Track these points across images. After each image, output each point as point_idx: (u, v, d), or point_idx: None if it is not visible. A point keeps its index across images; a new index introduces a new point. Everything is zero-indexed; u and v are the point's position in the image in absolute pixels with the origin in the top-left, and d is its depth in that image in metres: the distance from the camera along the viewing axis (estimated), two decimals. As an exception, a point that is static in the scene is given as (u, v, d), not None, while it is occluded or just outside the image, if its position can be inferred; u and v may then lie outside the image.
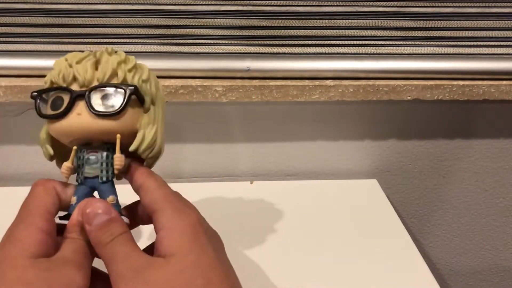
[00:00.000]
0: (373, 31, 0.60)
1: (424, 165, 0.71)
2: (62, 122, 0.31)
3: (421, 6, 0.59)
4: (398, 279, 0.48)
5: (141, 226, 0.35)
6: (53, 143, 0.34)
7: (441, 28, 0.61)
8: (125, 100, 0.31)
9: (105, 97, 0.31)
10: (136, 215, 0.34)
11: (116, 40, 0.58)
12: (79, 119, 0.31)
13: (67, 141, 0.33)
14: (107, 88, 0.31)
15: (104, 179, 0.32)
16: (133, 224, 0.34)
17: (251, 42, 0.59)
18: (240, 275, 0.30)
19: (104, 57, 0.32)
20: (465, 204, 0.75)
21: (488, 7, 0.60)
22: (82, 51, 0.33)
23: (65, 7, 0.57)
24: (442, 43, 0.61)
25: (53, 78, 0.32)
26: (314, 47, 0.60)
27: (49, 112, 0.32)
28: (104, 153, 0.32)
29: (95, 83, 0.31)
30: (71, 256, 0.27)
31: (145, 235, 0.48)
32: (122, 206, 0.33)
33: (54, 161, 0.35)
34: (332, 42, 0.60)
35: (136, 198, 0.33)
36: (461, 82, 0.60)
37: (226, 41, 0.59)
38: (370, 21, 0.59)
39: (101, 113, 0.31)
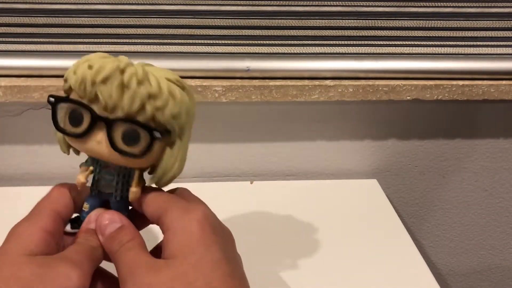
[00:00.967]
0: (373, 31, 0.60)
1: (424, 165, 0.71)
2: (81, 143, 0.29)
3: (421, 6, 0.59)
4: (398, 279, 0.48)
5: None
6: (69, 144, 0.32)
7: (440, 28, 0.61)
8: (149, 144, 0.29)
9: (128, 133, 0.28)
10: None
11: (116, 40, 0.58)
12: (98, 147, 0.29)
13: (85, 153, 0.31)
14: (132, 125, 0.28)
15: (118, 198, 0.31)
16: (144, 222, 0.33)
17: (250, 42, 0.59)
18: (239, 275, 0.30)
19: (133, 83, 0.28)
20: (465, 204, 0.75)
21: (488, 7, 0.60)
22: (105, 54, 0.30)
23: (65, 7, 0.57)
24: (441, 43, 0.61)
25: (74, 86, 0.29)
26: (313, 47, 0.60)
27: (67, 126, 0.29)
28: (121, 174, 0.31)
29: (119, 110, 0.28)
30: (71, 255, 0.27)
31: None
32: None
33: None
34: (331, 42, 0.60)
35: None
36: (460, 82, 0.60)
37: (226, 41, 0.59)
38: (369, 21, 0.59)
39: (122, 151, 0.28)
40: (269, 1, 0.58)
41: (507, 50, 0.62)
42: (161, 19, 0.58)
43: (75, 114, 0.29)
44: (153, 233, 0.32)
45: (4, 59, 0.57)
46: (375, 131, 0.67)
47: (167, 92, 0.29)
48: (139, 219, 0.32)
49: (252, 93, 0.58)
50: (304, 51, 0.60)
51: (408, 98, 0.60)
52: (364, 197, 0.64)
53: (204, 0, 0.57)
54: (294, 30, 0.59)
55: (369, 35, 0.60)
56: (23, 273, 0.25)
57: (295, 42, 0.60)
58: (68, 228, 0.31)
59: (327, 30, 0.60)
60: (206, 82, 0.57)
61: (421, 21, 0.60)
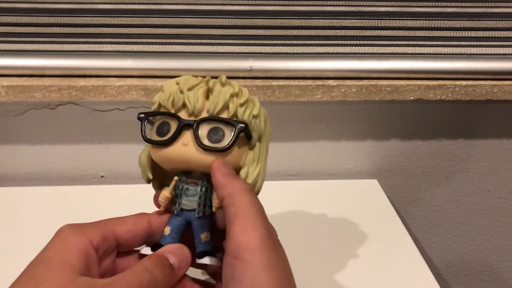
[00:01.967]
0: (376, 31, 0.60)
1: (427, 165, 0.70)
2: (167, 150, 0.30)
3: (424, 6, 0.59)
4: (399, 280, 0.48)
5: None
6: (153, 166, 0.33)
7: (443, 28, 0.60)
8: (234, 138, 0.30)
9: (213, 130, 0.30)
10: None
11: (118, 40, 0.58)
12: (184, 150, 0.30)
13: (168, 167, 0.32)
14: (217, 122, 0.30)
15: (201, 214, 0.31)
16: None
17: (253, 42, 0.59)
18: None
19: (217, 87, 0.31)
20: (467, 204, 0.75)
21: (491, 7, 0.60)
22: (196, 76, 0.32)
23: (66, 6, 0.56)
24: (445, 43, 0.61)
25: (162, 101, 0.31)
26: (316, 47, 0.60)
27: (154, 137, 0.31)
28: (204, 188, 0.31)
29: (205, 114, 0.30)
30: (119, 285, 0.25)
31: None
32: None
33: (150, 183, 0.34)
34: (334, 42, 0.60)
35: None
36: (464, 82, 0.60)
37: (229, 41, 0.59)
38: (372, 21, 0.59)
39: (207, 147, 0.29)
40: (271, 1, 0.57)
41: (510, 50, 0.62)
42: (163, 18, 0.58)
43: (162, 127, 0.31)
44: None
45: (6, 59, 0.57)
46: (378, 131, 0.67)
47: (248, 94, 0.32)
48: (220, 236, 0.30)
49: (255, 93, 0.57)
50: (307, 51, 0.60)
51: (411, 98, 0.60)
52: (364, 197, 0.64)
53: (207, 0, 0.57)
54: (297, 30, 0.59)
55: (372, 35, 0.60)
56: None
57: (298, 42, 0.60)
58: (147, 251, 0.30)
59: (330, 30, 0.59)
60: (208, 82, 0.57)
61: (424, 21, 0.60)
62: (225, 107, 0.31)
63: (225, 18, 0.58)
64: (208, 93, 0.31)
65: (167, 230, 0.31)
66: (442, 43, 0.61)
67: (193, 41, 0.59)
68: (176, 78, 0.32)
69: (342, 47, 0.60)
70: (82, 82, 0.56)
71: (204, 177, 0.31)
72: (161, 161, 0.31)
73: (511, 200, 0.75)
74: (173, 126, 0.30)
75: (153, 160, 0.32)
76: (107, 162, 0.65)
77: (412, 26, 0.60)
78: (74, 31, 0.58)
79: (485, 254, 0.81)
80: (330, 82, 0.58)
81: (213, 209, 0.31)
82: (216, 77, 0.33)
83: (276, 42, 0.59)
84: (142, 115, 0.32)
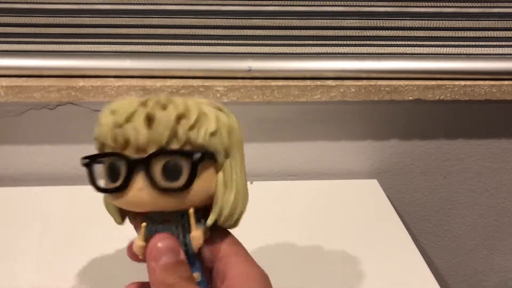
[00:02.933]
0: (375, 31, 0.60)
1: (426, 165, 0.70)
2: (123, 198, 0.26)
3: (423, 6, 0.59)
4: (398, 280, 0.48)
5: None
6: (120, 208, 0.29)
7: (442, 28, 0.60)
8: (193, 170, 0.25)
9: (168, 166, 0.25)
10: None
11: (117, 40, 0.58)
12: (141, 196, 0.25)
13: (133, 210, 0.28)
14: (169, 155, 0.25)
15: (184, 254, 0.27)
16: None
17: (252, 42, 0.59)
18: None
19: (158, 112, 0.25)
20: (466, 204, 0.75)
21: (490, 7, 0.60)
22: (129, 98, 0.27)
23: (65, 7, 0.56)
24: (443, 43, 0.61)
25: (103, 139, 0.26)
26: (315, 47, 0.60)
27: (107, 183, 0.27)
28: (179, 226, 0.27)
29: (152, 147, 0.25)
30: None
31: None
32: None
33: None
34: (333, 42, 0.60)
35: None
36: (462, 82, 0.60)
37: (228, 41, 0.59)
38: (371, 21, 0.59)
39: (166, 188, 0.25)
40: (270, 1, 0.57)
41: (509, 50, 0.62)
42: (162, 19, 0.58)
43: (112, 169, 0.26)
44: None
45: (5, 59, 0.57)
46: (377, 131, 0.67)
47: (197, 110, 0.26)
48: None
49: (254, 93, 0.58)
50: (306, 51, 0.60)
51: (410, 98, 0.60)
52: (364, 197, 0.64)
53: (205, 0, 0.57)
54: (295, 30, 0.59)
55: (371, 35, 0.60)
56: None
57: (297, 42, 0.60)
58: None
59: (329, 30, 0.59)
60: (207, 82, 0.57)
61: (423, 21, 0.60)
62: (173, 135, 0.25)
63: (224, 18, 0.58)
64: (149, 119, 0.26)
65: None
66: (441, 43, 0.61)
67: (192, 41, 0.59)
68: (111, 105, 0.27)
69: (341, 47, 0.60)
70: (81, 82, 0.56)
71: (178, 213, 0.27)
72: (121, 207, 0.27)
73: (510, 200, 0.75)
74: (122, 167, 0.26)
75: None
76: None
77: (411, 26, 0.60)
78: (73, 32, 0.58)
79: (485, 254, 0.81)
80: (329, 82, 0.59)
81: (195, 249, 0.27)
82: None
83: (275, 42, 0.59)
84: (87, 161, 0.27)
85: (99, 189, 0.26)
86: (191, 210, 0.26)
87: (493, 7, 0.60)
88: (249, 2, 0.57)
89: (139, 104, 0.26)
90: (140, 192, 0.25)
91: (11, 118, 0.61)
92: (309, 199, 0.62)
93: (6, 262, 0.47)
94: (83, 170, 0.27)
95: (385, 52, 0.61)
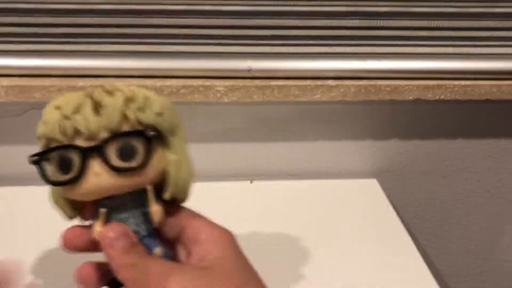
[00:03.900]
0: (375, 31, 0.60)
1: (426, 165, 0.70)
2: (79, 186, 0.27)
3: (423, 6, 0.59)
4: (398, 280, 0.48)
5: None
6: (70, 201, 0.30)
7: (443, 28, 0.60)
8: (148, 148, 0.27)
9: (122, 148, 0.27)
10: None
11: (117, 40, 0.58)
12: (98, 180, 0.26)
13: (87, 200, 0.29)
14: (122, 138, 0.27)
15: (145, 233, 0.28)
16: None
17: (252, 42, 0.59)
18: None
19: (105, 99, 0.27)
20: (466, 204, 0.75)
21: (490, 7, 0.60)
22: (71, 90, 0.29)
23: (66, 7, 0.56)
24: (444, 43, 0.61)
25: (50, 134, 0.27)
26: (315, 47, 0.60)
27: (59, 177, 0.27)
28: (137, 209, 0.28)
29: (103, 133, 0.26)
30: None
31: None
32: None
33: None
34: (333, 42, 0.60)
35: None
36: (462, 82, 0.60)
37: (227, 41, 0.59)
38: (371, 21, 0.59)
39: (123, 169, 0.26)
40: (270, 1, 0.57)
41: (510, 50, 0.62)
42: (162, 19, 0.58)
43: (63, 162, 0.27)
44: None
45: (5, 59, 0.57)
46: (377, 131, 0.67)
47: (142, 93, 0.28)
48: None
49: (254, 93, 0.58)
50: (306, 51, 0.60)
51: (410, 98, 0.60)
52: (364, 197, 0.64)
53: (205, 0, 0.57)
54: (296, 30, 0.59)
55: (371, 35, 0.60)
56: None
57: (297, 42, 0.60)
58: None
59: (329, 30, 0.59)
60: (207, 82, 0.57)
61: (423, 21, 0.60)
62: (123, 117, 0.27)
63: (224, 18, 0.58)
64: (96, 107, 0.27)
65: None
66: (441, 43, 0.61)
67: (192, 41, 0.59)
68: (53, 102, 0.28)
69: (341, 47, 0.60)
70: (81, 82, 0.56)
71: (131, 195, 0.28)
72: (76, 198, 0.28)
73: (510, 201, 0.75)
74: (75, 157, 0.26)
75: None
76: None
77: (411, 26, 0.60)
78: (73, 31, 0.58)
79: (485, 254, 0.80)
80: (329, 82, 0.59)
81: (155, 221, 0.28)
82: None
83: (275, 42, 0.59)
84: (36, 158, 0.27)
85: (54, 182, 0.27)
86: (149, 187, 0.28)
87: (494, 7, 0.60)
88: (249, 2, 0.57)
89: (83, 95, 0.27)
90: (97, 177, 0.26)
91: (11, 118, 0.62)
92: (309, 199, 0.62)
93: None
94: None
95: (385, 52, 0.61)
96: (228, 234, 0.29)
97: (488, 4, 0.59)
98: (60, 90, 0.55)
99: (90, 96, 0.27)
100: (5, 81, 0.56)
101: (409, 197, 0.73)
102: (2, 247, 0.50)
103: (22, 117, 0.61)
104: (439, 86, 0.59)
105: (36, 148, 0.66)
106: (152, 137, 0.27)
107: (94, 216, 0.29)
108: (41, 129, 0.28)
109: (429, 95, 0.60)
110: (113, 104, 0.27)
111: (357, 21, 0.59)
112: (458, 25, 0.60)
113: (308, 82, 0.58)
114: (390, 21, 0.60)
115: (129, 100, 0.27)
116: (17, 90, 0.55)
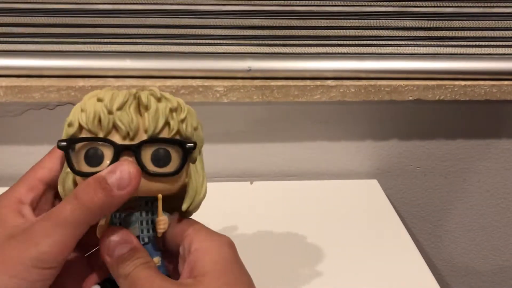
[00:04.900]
0: (375, 31, 0.60)
1: (426, 165, 0.70)
2: None
3: (423, 6, 0.59)
4: (398, 280, 0.48)
5: None
6: None
7: (442, 28, 0.60)
8: (184, 158, 0.27)
9: (157, 153, 0.27)
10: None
11: (117, 40, 0.58)
12: None
13: None
14: (160, 143, 0.27)
15: (146, 240, 0.28)
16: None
17: (252, 42, 0.59)
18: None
19: (153, 103, 0.27)
20: (466, 204, 0.75)
21: (490, 7, 0.60)
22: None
23: (65, 7, 0.56)
24: (443, 43, 0.61)
25: (85, 124, 0.27)
26: (315, 47, 0.60)
27: (85, 167, 0.27)
28: (144, 213, 0.28)
29: (142, 134, 0.27)
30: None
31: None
32: None
33: None
34: (333, 42, 0.60)
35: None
36: (462, 82, 0.60)
37: (227, 41, 0.59)
38: (371, 21, 0.59)
39: (155, 173, 0.27)
40: (270, 1, 0.57)
41: (509, 50, 0.62)
42: (162, 19, 0.58)
43: (92, 154, 0.27)
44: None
45: (4, 59, 0.57)
46: (377, 131, 0.67)
47: (186, 107, 0.29)
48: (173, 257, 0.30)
49: (254, 93, 0.57)
50: (305, 51, 0.60)
51: (410, 98, 0.60)
52: (364, 197, 0.64)
53: (205, 0, 0.57)
54: (295, 30, 0.59)
55: (371, 35, 0.60)
56: None
57: (297, 42, 0.60)
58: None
59: (329, 30, 0.59)
60: (207, 82, 0.57)
61: (423, 21, 0.60)
62: (166, 124, 0.27)
63: (224, 18, 0.58)
64: (139, 108, 0.27)
65: None
66: (440, 43, 0.61)
67: (192, 41, 0.59)
68: (96, 94, 0.28)
69: (341, 47, 0.60)
70: (81, 82, 0.56)
71: (141, 200, 0.28)
72: None
73: (510, 201, 0.75)
74: (107, 152, 0.26)
75: None
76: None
77: (410, 26, 0.60)
78: (72, 32, 0.58)
79: (485, 254, 0.80)
80: (329, 82, 0.58)
81: (158, 235, 0.29)
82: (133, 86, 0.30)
83: (274, 42, 0.59)
84: (64, 143, 0.27)
85: (80, 173, 0.27)
86: (160, 196, 0.28)
87: (493, 7, 0.60)
88: (249, 2, 0.57)
89: (129, 94, 0.28)
90: None
91: (10, 118, 0.61)
92: (309, 199, 0.62)
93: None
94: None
95: (385, 52, 0.61)
96: (221, 245, 0.28)
97: (488, 4, 0.59)
98: (59, 90, 0.55)
99: (136, 97, 0.28)
100: (4, 82, 0.56)
101: (409, 197, 0.73)
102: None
103: (21, 117, 0.61)
104: (439, 86, 0.59)
105: (36, 148, 0.67)
106: (191, 149, 0.28)
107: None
108: (75, 115, 0.28)
109: (429, 95, 0.60)
110: (161, 110, 0.27)
111: (356, 21, 0.59)
112: (458, 25, 0.60)
113: (308, 82, 0.58)
114: (390, 21, 0.60)
115: (174, 110, 0.28)
116: (16, 90, 0.55)
